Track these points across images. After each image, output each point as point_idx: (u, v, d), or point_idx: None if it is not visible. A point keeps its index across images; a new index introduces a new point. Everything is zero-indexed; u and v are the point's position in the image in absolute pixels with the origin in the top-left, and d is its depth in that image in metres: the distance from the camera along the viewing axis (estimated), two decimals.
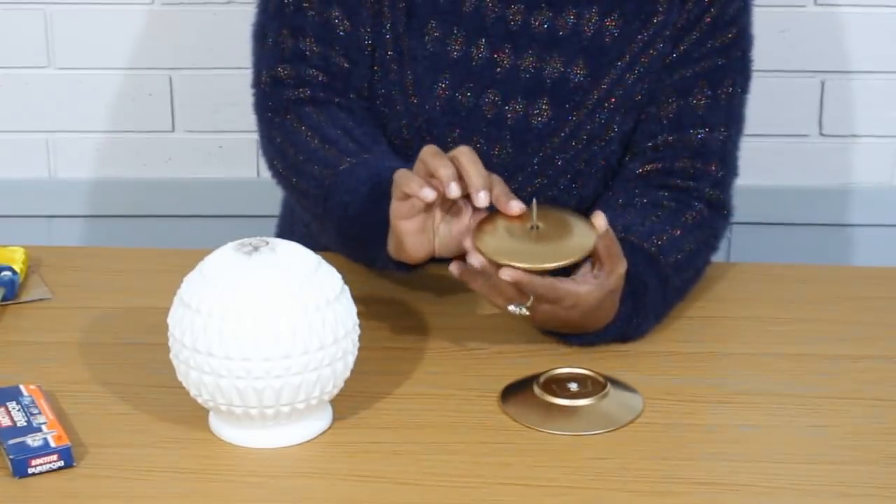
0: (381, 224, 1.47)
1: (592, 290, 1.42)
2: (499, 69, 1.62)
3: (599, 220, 1.41)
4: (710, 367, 1.49)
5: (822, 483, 1.29)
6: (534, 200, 1.40)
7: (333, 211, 1.54)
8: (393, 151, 1.62)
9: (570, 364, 1.45)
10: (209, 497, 1.26)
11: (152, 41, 2.34)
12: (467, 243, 1.40)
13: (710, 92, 1.63)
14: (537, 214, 1.40)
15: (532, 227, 1.40)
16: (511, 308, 1.41)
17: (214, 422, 1.36)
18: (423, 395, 1.42)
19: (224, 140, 2.39)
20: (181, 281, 1.34)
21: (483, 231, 1.40)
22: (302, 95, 1.62)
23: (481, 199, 1.38)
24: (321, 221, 1.58)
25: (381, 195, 1.48)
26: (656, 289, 1.52)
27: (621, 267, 1.44)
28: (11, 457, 1.27)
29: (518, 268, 1.37)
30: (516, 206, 1.40)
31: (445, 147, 1.62)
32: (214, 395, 1.31)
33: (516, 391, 1.42)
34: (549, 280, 1.40)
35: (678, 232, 1.58)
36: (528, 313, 1.41)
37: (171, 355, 1.34)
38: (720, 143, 1.64)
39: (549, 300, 1.41)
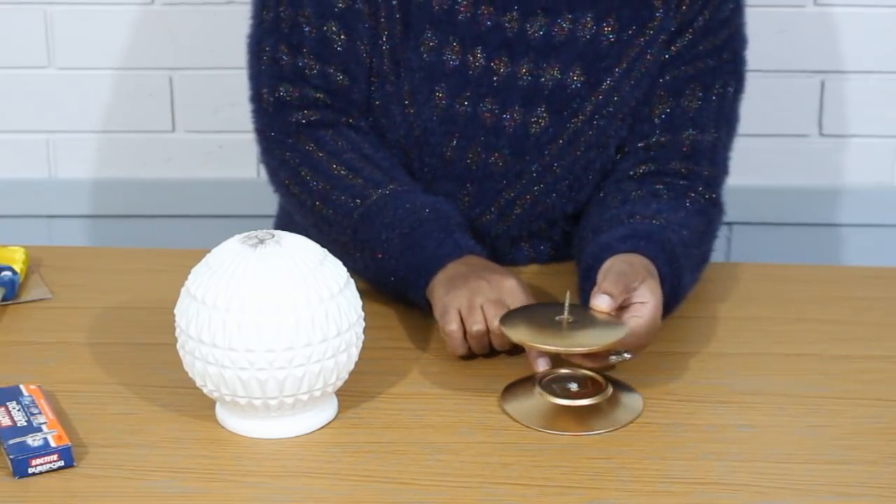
0: (421, 266, 1.51)
1: (654, 291, 1.43)
2: (496, 77, 1.62)
3: (600, 300, 1.41)
4: (710, 367, 1.49)
5: (822, 483, 1.29)
6: (567, 293, 1.41)
7: (367, 243, 1.55)
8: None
9: (570, 364, 1.45)
10: (209, 497, 1.26)
11: (152, 41, 2.33)
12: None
13: (701, 93, 1.63)
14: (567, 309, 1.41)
15: (559, 320, 1.41)
16: (613, 359, 1.42)
17: (220, 412, 1.37)
18: (423, 395, 1.42)
19: (224, 140, 2.39)
20: (181, 281, 1.35)
21: (511, 320, 1.42)
22: (311, 118, 1.62)
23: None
24: (345, 248, 1.58)
25: (423, 235, 1.52)
26: (680, 244, 1.53)
27: (636, 261, 1.46)
28: (12, 457, 1.27)
29: (550, 350, 1.38)
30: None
31: (443, 156, 1.63)
32: (219, 386, 1.31)
33: (516, 391, 1.42)
34: (634, 327, 1.41)
35: (682, 213, 1.59)
36: (629, 356, 1.42)
37: (178, 346, 1.34)
38: (710, 145, 1.64)
39: (650, 334, 1.43)
